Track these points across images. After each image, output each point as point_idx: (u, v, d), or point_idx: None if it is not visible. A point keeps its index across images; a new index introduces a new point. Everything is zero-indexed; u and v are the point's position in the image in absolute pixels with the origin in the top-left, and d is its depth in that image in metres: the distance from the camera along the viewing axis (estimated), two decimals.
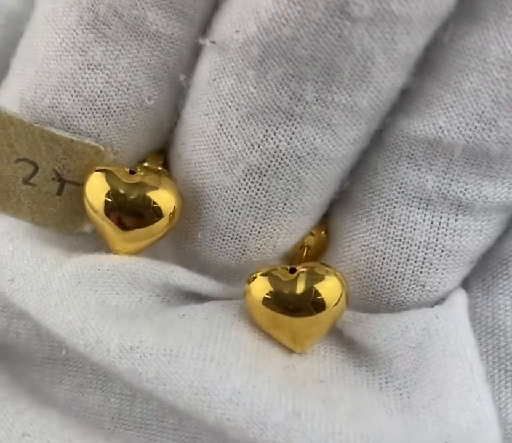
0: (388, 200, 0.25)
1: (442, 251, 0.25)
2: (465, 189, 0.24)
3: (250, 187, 0.25)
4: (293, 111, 0.23)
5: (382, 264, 0.25)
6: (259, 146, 0.24)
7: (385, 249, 0.25)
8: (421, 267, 0.25)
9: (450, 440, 0.23)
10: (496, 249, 0.27)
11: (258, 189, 0.25)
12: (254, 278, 0.24)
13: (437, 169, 0.24)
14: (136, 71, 0.25)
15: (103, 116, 0.26)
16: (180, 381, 0.23)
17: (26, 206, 0.27)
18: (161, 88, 0.26)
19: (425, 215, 0.25)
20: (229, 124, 0.24)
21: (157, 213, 0.25)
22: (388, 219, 0.25)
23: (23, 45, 0.27)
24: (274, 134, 0.24)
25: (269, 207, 0.25)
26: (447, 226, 0.25)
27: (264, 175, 0.24)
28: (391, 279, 0.25)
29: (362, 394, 0.25)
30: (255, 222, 0.25)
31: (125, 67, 0.25)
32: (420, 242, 0.25)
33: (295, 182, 0.25)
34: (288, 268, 0.25)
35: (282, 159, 0.24)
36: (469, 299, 0.27)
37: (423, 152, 0.24)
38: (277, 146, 0.24)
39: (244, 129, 0.24)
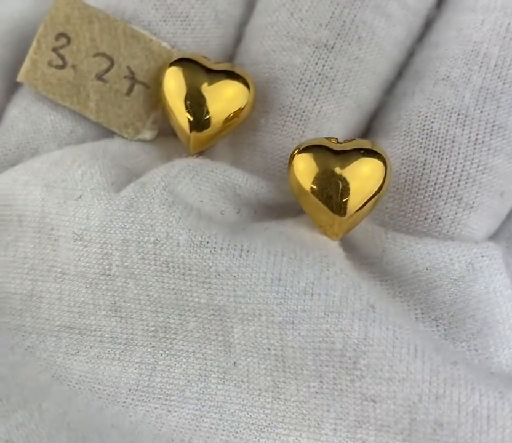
0: (427, 117, 0.26)
1: (478, 166, 0.25)
2: (497, 107, 0.25)
3: (316, 63, 0.26)
4: None
5: (422, 175, 0.26)
6: (326, 25, 0.26)
7: (425, 160, 0.26)
8: (459, 180, 0.25)
9: (493, 372, 0.23)
10: None
11: (324, 64, 0.26)
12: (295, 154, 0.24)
13: (474, 84, 0.25)
14: None
15: (182, 24, 0.27)
16: (252, 274, 0.23)
17: (93, 103, 0.26)
18: (235, 2, 0.28)
19: (463, 129, 0.25)
20: (300, 9, 0.27)
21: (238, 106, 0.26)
22: (427, 133, 0.26)
23: None
24: (340, 14, 0.26)
25: (332, 83, 0.26)
26: (483, 142, 0.25)
27: (330, 52, 0.26)
28: (430, 190, 0.25)
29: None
30: (317, 99, 0.26)
31: None
32: (458, 154, 0.25)
33: (355, 62, 0.26)
34: (335, 140, 0.25)
35: (346, 36, 0.26)
36: None
37: (459, 70, 0.26)
38: (342, 25, 0.26)
39: (313, 12, 0.26)
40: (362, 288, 0.23)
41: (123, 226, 0.24)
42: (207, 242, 0.23)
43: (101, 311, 0.25)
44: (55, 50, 0.27)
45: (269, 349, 0.23)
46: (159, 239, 0.23)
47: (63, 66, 0.27)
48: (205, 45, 0.28)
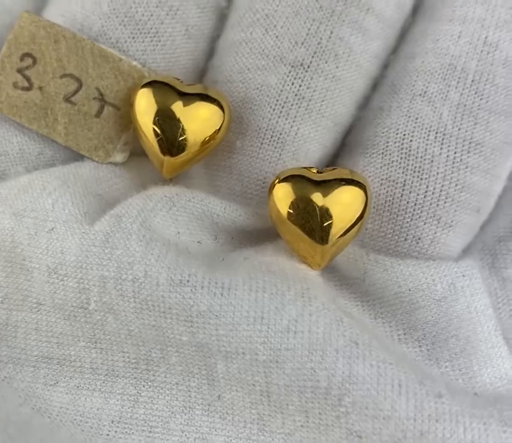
0: (405, 135, 0.25)
1: (456, 184, 0.25)
2: (475, 124, 0.25)
3: (293, 83, 0.25)
4: (334, 10, 0.25)
5: (402, 195, 0.25)
6: (302, 43, 0.25)
7: (405, 181, 0.25)
8: (438, 200, 0.25)
9: (477, 392, 0.23)
10: (491, 229, 0.28)
11: (300, 84, 0.25)
12: (275, 184, 0.24)
13: (451, 100, 0.25)
14: None
15: (151, 41, 0.26)
16: (234, 313, 0.22)
17: (61, 126, 0.25)
18: (205, 14, 0.27)
19: (441, 148, 0.25)
20: (275, 26, 0.26)
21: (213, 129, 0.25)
22: (406, 152, 0.25)
23: None
24: (316, 31, 0.25)
25: (309, 103, 0.26)
26: (461, 160, 0.25)
27: (307, 71, 0.25)
28: (410, 211, 0.25)
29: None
30: (294, 120, 0.26)
31: None
32: (437, 174, 0.25)
33: (332, 81, 0.26)
34: (315, 170, 0.24)
35: (322, 54, 0.25)
36: None
37: (437, 86, 0.25)
38: (319, 43, 0.25)
39: (288, 29, 0.26)
40: (344, 323, 0.22)
41: (99, 262, 0.23)
42: (187, 281, 0.22)
43: (80, 342, 0.24)
44: (20, 71, 0.25)
45: (253, 385, 0.22)
46: (137, 277, 0.23)
47: (29, 88, 0.25)
48: (175, 61, 0.27)
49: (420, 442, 0.21)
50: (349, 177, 0.24)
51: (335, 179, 0.24)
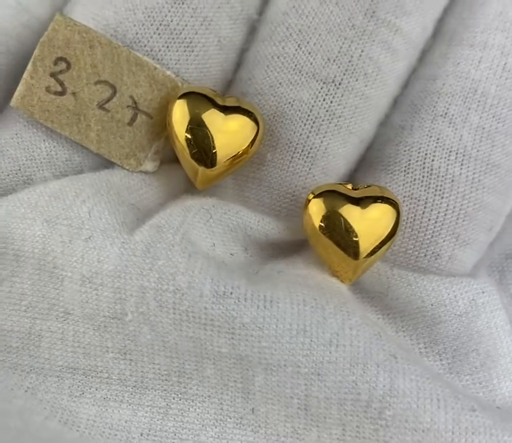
0: (426, 154, 0.26)
1: (475, 204, 0.26)
2: (492, 146, 0.26)
3: (324, 100, 0.26)
4: (365, 29, 0.26)
5: (423, 213, 0.26)
6: (334, 60, 0.26)
7: (426, 199, 0.26)
8: (457, 218, 0.26)
9: (498, 405, 0.24)
10: (498, 246, 0.29)
11: (332, 101, 0.26)
12: (311, 198, 0.24)
13: (471, 123, 0.26)
14: (219, 8, 0.26)
15: (185, 51, 0.26)
16: (277, 325, 0.22)
17: (94, 133, 0.25)
18: (237, 26, 0.27)
19: (461, 168, 0.26)
20: (308, 42, 0.26)
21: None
22: (428, 171, 0.26)
23: None
24: (348, 49, 0.26)
25: (339, 120, 0.26)
26: (479, 181, 0.26)
27: (338, 88, 0.26)
28: (431, 228, 0.26)
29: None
30: (325, 136, 0.26)
31: (210, 3, 0.26)
32: (457, 193, 0.26)
33: (361, 99, 0.26)
34: (350, 186, 0.25)
35: (353, 72, 0.26)
36: None
37: (457, 108, 0.26)
38: (350, 61, 0.26)
39: (321, 45, 0.26)
40: (382, 338, 0.23)
41: (140, 272, 0.23)
42: (231, 293, 0.23)
43: (109, 353, 0.24)
44: (53, 75, 0.25)
45: (291, 397, 0.23)
46: (179, 288, 0.23)
47: (62, 93, 0.25)
48: (207, 72, 0.27)
49: None
50: (383, 195, 0.25)
51: (369, 197, 0.24)
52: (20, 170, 0.26)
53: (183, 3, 0.26)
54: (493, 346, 0.25)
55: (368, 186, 0.25)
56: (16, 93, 0.25)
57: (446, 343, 0.25)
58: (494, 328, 0.26)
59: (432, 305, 0.26)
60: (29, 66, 0.25)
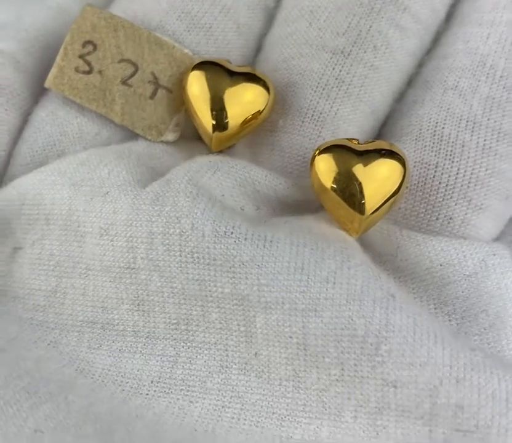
0: (437, 123, 0.27)
1: (486, 170, 0.26)
2: (503, 115, 0.26)
3: (334, 68, 0.27)
4: (373, 7, 0.27)
5: (434, 177, 0.26)
6: (343, 34, 0.27)
7: (437, 163, 0.26)
8: (469, 182, 0.26)
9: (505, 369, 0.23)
10: None
11: (341, 70, 0.27)
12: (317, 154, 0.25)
13: (481, 93, 0.26)
14: None
15: (205, 35, 0.28)
16: (276, 263, 0.23)
17: (118, 106, 0.27)
18: (255, 14, 0.29)
19: (472, 135, 0.26)
20: (318, 20, 0.28)
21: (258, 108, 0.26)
22: (438, 138, 0.26)
23: None
24: (357, 24, 0.27)
25: (348, 87, 0.27)
26: (490, 148, 0.26)
27: (347, 58, 0.27)
28: (442, 192, 0.26)
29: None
30: (334, 101, 0.27)
31: None
32: (468, 158, 0.26)
33: (370, 69, 0.27)
34: (356, 141, 0.25)
35: (362, 44, 0.27)
36: None
37: (467, 81, 0.27)
38: (358, 34, 0.27)
39: (331, 22, 0.27)
40: (382, 279, 0.23)
41: (149, 219, 0.24)
42: (231, 233, 0.23)
43: (124, 304, 0.25)
44: (81, 56, 0.27)
45: (290, 337, 0.23)
46: (184, 231, 0.24)
47: (89, 72, 0.27)
48: (226, 55, 0.28)
49: (455, 388, 0.21)
50: (389, 148, 0.25)
51: (375, 150, 0.25)
52: (54, 145, 0.28)
53: None
54: (503, 307, 0.25)
55: (374, 141, 0.25)
56: (49, 75, 0.28)
57: (456, 303, 0.25)
58: (504, 289, 0.25)
59: (441, 265, 0.25)
60: (61, 51, 0.27)
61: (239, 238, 0.23)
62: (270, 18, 0.30)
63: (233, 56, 0.29)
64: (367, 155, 0.25)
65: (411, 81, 0.29)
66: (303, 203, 0.27)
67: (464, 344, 0.22)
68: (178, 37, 0.28)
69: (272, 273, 0.23)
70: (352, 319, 0.22)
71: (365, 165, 0.24)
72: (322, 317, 0.22)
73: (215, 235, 0.23)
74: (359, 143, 0.25)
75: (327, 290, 0.22)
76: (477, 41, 0.27)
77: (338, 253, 0.23)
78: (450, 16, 0.29)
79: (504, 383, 0.21)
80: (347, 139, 0.25)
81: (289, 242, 0.23)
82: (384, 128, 0.29)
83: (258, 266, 0.23)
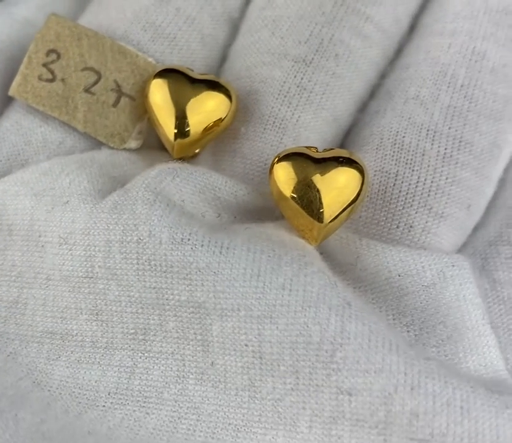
0: (398, 132, 0.26)
1: (447, 178, 0.26)
2: (464, 124, 0.26)
3: (295, 76, 0.27)
4: (335, 16, 0.27)
5: (394, 185, 0.26)
6: (305, 42, 0.27)
7: (397, 171, 0.26)
8: (429, 190, 0.26)
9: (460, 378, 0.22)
10: (481, 234, 0.28)
11: (302, 77, 0.27)
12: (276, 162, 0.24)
13: (442, 103, 0.26)
14: (201, 8, 0.28)
15: (169, 45, 0.28)
16: (232, 269, 0.23)
17: (81, 113, 0.27)
18: (219, 25, 0.29)
19: (432, 143, 0.26)
20: (281, 28, 0.28)
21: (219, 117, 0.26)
22: (399, 147, 0.26)
23: None
24: (319, 33, 0.27)
25: (310, 94, 0.27)
26: (451, 156, 0.26)
27: (308, 66, 0.27)
28: (402, 200, 0.26)
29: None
30: (296, 108, 0.27)
31: (192, 4, 0.28)
32: (428, 167, 0.26)
33: (332, 77, 0.27)
34: (315, 149, 0.25)
35: (324, 52, 0.27)
36: None
37: (428, 90, 0.27)
38: (320, 43, 0.27)
39: (293, 30, 0.28)
40: (338, 287, 0.23)
41: (106, 227, 0.24)
42: (188, 239, 0.23)
43: (83, 314, 0.24)
44: (45, 65, 0.27)
45: (246, 345, 0.22)
46: (141, 238, 0.23)
47: (52, 80, 0.27)
48: (190, 65, 0.28)
49: (410, 396, 0.21)
50: (348, 156, 0.24)
51: (333, 158, 0.24)
52: (19, 154, 0.28)
53: (167, 4, 0.28)
54: (461, 318, 0.25)
55: (332, 149, 0.25)
56: (13, 83, 0.27)
57: (414, 314, 0.25)
58: (463, 301, 0.25)
59: (399, 276, 0.25)
60: (25, 59, 0.27)
61: (195, 245, 0.23)
62: (235, 28, 0.30)
63: (197, 66, 0.28)
64: (326, 164, 0.24)
65: (374, 92, 0.29)
66: (264, 210, 0.27)
67: (419, 353, 0.22)
68: (143, 46, 0.28)
69: (228, 279, 0.22)
70: (307, 326, 0.22)
71: (323, 173, 0.24)
72: (277, 323, 0.22)
73: (172, 242, 0.23)
74: (317, 151, 0.25)
75: (282, 296, 0.22)
76: (438, 51, 0.27)
77: (295, 260, 0.23)
78: (413, 28, 0.29)
79: (459, 392, 0.21)
80: (305, 147, 0.25)
81: (246, 249, 0.23)
82: (347, 138, 0.29)
83: (214, 272, 0.23)
